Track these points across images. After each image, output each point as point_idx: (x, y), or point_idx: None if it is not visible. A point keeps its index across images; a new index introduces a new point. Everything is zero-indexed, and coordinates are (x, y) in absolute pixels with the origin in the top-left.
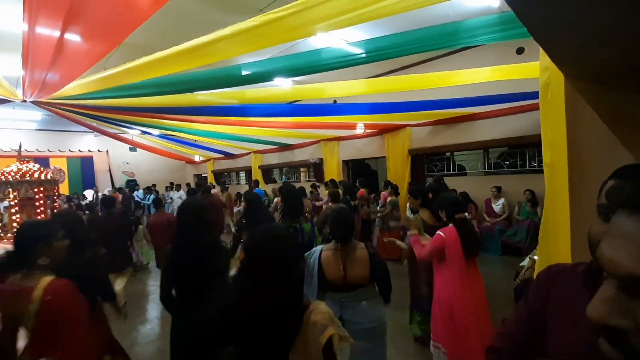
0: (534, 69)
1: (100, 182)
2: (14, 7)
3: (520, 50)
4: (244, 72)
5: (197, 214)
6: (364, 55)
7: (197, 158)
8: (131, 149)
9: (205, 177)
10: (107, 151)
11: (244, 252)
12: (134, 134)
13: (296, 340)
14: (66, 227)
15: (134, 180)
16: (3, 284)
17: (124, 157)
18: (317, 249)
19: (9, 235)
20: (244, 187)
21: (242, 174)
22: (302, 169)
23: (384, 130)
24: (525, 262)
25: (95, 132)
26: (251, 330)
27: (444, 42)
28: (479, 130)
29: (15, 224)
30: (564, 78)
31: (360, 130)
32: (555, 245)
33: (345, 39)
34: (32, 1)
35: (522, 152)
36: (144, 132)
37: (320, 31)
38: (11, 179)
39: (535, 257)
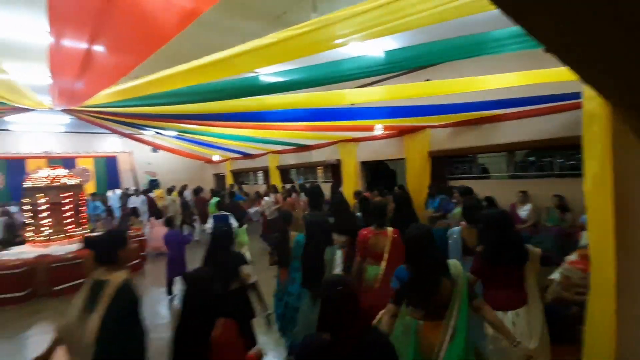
0: (566, 73)
1: (124, 182)
2: (37, 19)
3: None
4: (263, 84)
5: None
6: (387, 65)
7: (215, 158)
8: (153, 150)
9: (224, 177)
10: (130, 152)
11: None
12: (148, 134)
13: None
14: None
15: (156, 180)
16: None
17: (147, 157)
18: (457, 229)
19: (41, 238)
20: (262, 187)
21: (260, 174)
22: (319, 169)
23: (403, 132)
24: (556, 276)
25: (119, 134)
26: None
27: (471, 52)
28: (503, 132)
29: (44, 227)
30: (610, 108)
31: (378, 131)
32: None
33: (369, 48)
34: (56, 16)
35: (550, 155)
36: (158, 133)
37: (344, 45)
38: (42, 185)
39: (566, 272)
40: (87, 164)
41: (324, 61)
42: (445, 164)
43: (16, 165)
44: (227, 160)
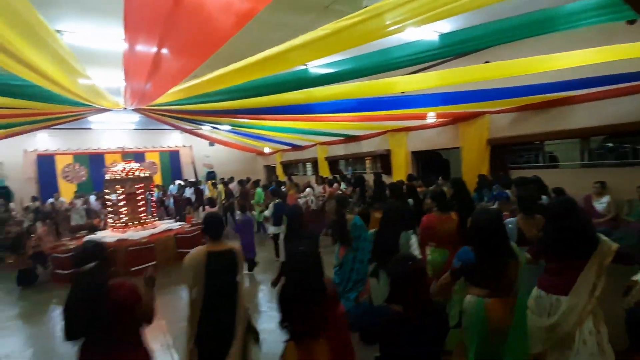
0: None
1: (185, 174)
2: (112, 28)
3: (632, 20)
4: (313, 76)
5: None
6: (442, 49)
7: (266, 150)
8: (210, 144)
9: (274, 168)
10: (190, 146)
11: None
12: (206, 129)
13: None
14: None
15: (213, 172)
16: None
17: (205, 151)
18: (512, 219)
19: (118, 225)
20: (311, 178)
21: (309, 165)
22: (367, 160)
23: (458, 119)
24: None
25: (180, 130)
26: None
27: (538, 30)
28: (575, 116)
29: (122, 215)
30: None
31: (431, 119)
32: None
33: (422, 33)
34: (131, 23)
35: (632, 141)
36: (214, 128)
37: (399, 31)
38: (119, 177)
39: None
40: (154, 158)
41: (373, 50)
42: (507, 153)
43: (97, 160)
44: (277, 152)
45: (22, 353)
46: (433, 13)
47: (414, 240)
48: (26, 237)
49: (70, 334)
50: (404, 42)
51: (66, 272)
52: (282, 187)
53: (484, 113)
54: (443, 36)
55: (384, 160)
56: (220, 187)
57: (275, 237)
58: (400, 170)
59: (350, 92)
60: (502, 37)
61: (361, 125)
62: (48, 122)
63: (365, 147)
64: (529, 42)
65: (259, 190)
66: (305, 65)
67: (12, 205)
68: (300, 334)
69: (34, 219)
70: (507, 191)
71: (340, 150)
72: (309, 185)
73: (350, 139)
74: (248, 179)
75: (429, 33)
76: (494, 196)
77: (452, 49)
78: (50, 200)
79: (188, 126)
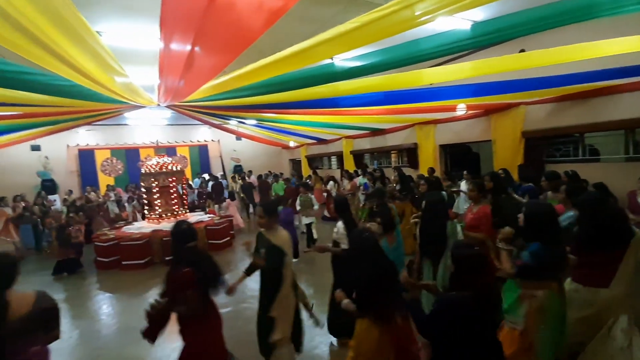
0: None
1: (213, 167)
2: (147, 28)
3: None
4: (340, 69)
5: None
6: (475, 39)
7: (291, 144)
8: (237, 138)
9: (299, 162)
10: (218, 141)
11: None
12: (233, 124)
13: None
14: None
15: (240, 165)
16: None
17: (232, 145)
18: (570, 213)
19: (153, 216)
20: (335, 172)
21: (334, 159)
22: (393, 154)
23: (490, 111)
24: None
25: (208, 125)
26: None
27: (582, 16)
28: (620, 106)
29: (157, 207)
30: None
31: (461, 112)
32: None
33: (453, 23)
34: (167, 24)
35: None
36: (240, 122)
37: (430, 21)
38: (153, 171)
39: None
40: (184, 152)
41: (401, 41)
42: (543, 146)
43: (132, 154)
44: (302, 145)
45: (70, 334)
46: (467, 1)
47: (459, 229)
48: (67, 227)
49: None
50: (434, 32)
51: (107, 259)
52: (308, 180)
53: (518, 104)
54: (476, 25)
55: (410, 153)
56: (238, 181)
57: (308, 226)
58: (427, 164)
59: (376, 85)
60: (542, 24)
61: (387, 118)
62: (89, 119)
63: (391, 140)
64: (568, 28)
65: (280, 183)
66: (332, 58)
67: (55, 197)
68: (380, 314)
69: (69, 211)
70: (530, 184)
71: (365, 143)
72: (332, 179)
73: (376, 132)
74: (269, 173)
75: (461, 22)
76: (522, 189)
77: (486, 38)
78: (84, 193)
79: (216, 121)
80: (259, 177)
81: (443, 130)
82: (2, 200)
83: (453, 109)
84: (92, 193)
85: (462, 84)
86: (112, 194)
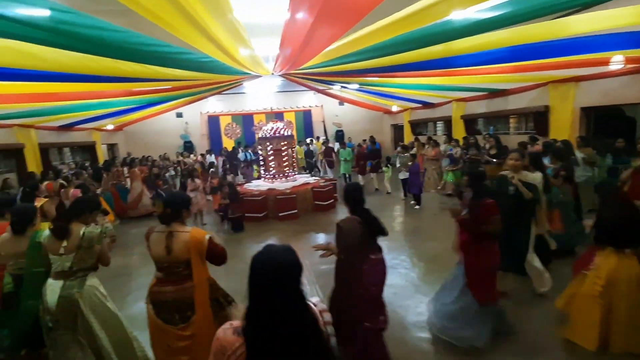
0: None
1: (316, 132)
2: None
3: None
4: (459, 26)
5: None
6: None
7: (394, 108)
8: (340, 104)
9: (402, 127)
10: (322, 106)
11: None
12: (336, 89)
13: None
14: None
15: (342, 130)
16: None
17: (335, 110)
18: None
19: (268, 177)
20: (440, 139)
21: (440, 125)
22: (512, 119)
23: None
24: None
25: (314, 91)
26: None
27: None
28: None
29: (271, 168)
30: None
31: (616, 66)
32: None
33: None
34: None
35: None
36: (343, 87)
37: None
38: (268, 135)
39: None
40: (290, 117)
41: None
42: None
43: (248, 120)
44: (405, 110)
45: (226, 277)
46: None
47: None
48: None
49: None
50: None
51: (259, 214)
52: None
53: None
54: None
55: (539, 118)
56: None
57: (404, 180)
58: (562, 131)
59: (500, 41)
60: None
61: (511, 77)
62: (219, 89)
63: (513, 103)
64: None
65: (347, 149)
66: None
67: (192, 157)
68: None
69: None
70: None
71: (480, 107)
72: (414, 146)
73: (494, 94)
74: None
75: None
76: None
77: None
78: (180, 158)
79: (320, 87)
80: (324, 143)
81: (587, 90)
82: (133, 162)
83: (605, 62)
84: (188, 158)
85: (619, 32)
86: (209, 157)
